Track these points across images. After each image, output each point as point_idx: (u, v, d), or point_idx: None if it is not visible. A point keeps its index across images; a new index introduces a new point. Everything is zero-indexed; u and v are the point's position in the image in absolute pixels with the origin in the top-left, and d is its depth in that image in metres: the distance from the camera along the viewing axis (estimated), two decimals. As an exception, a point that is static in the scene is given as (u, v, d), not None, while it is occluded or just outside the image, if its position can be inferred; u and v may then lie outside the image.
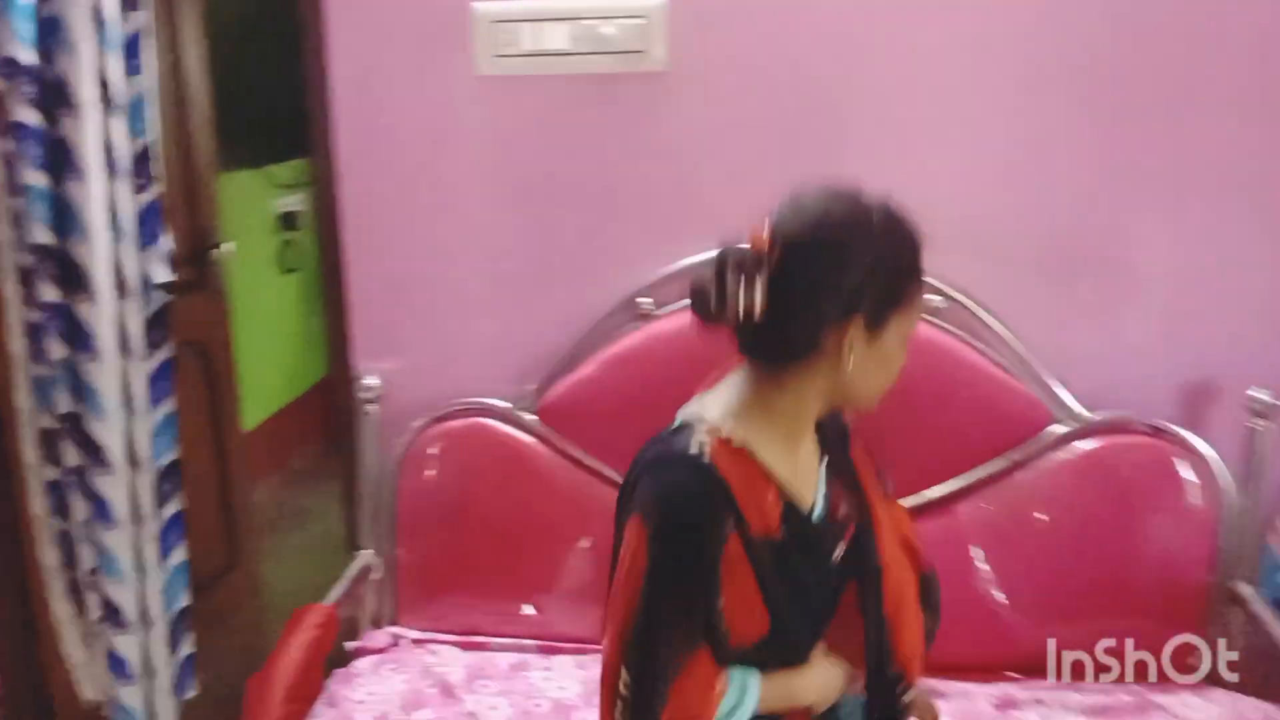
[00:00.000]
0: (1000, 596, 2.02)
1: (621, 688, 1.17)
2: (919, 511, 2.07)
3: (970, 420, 2.03)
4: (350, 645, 2.18)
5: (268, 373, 4.04)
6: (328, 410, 4.06)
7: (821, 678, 1.28)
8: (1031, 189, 2.03)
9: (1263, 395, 1.92)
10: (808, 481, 1.27)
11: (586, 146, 2.10)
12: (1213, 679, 1.99)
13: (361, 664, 2.12)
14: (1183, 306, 2.03)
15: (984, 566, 2.03)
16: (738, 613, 1.19)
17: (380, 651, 2.16)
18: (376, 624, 2.25)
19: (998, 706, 1.92)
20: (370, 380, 2.18)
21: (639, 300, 2.09)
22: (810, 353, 1.18)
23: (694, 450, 1.18)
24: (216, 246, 2.94)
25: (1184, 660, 2.00)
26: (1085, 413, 2.02)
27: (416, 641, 2.18)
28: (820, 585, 1.27)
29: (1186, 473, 1.99)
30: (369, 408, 2.19)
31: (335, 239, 2.20)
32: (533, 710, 1.95)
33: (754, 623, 1.20)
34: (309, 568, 3.25)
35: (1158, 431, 2.01)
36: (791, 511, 1.22)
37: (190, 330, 2.76)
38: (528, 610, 2.18)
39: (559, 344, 2.13)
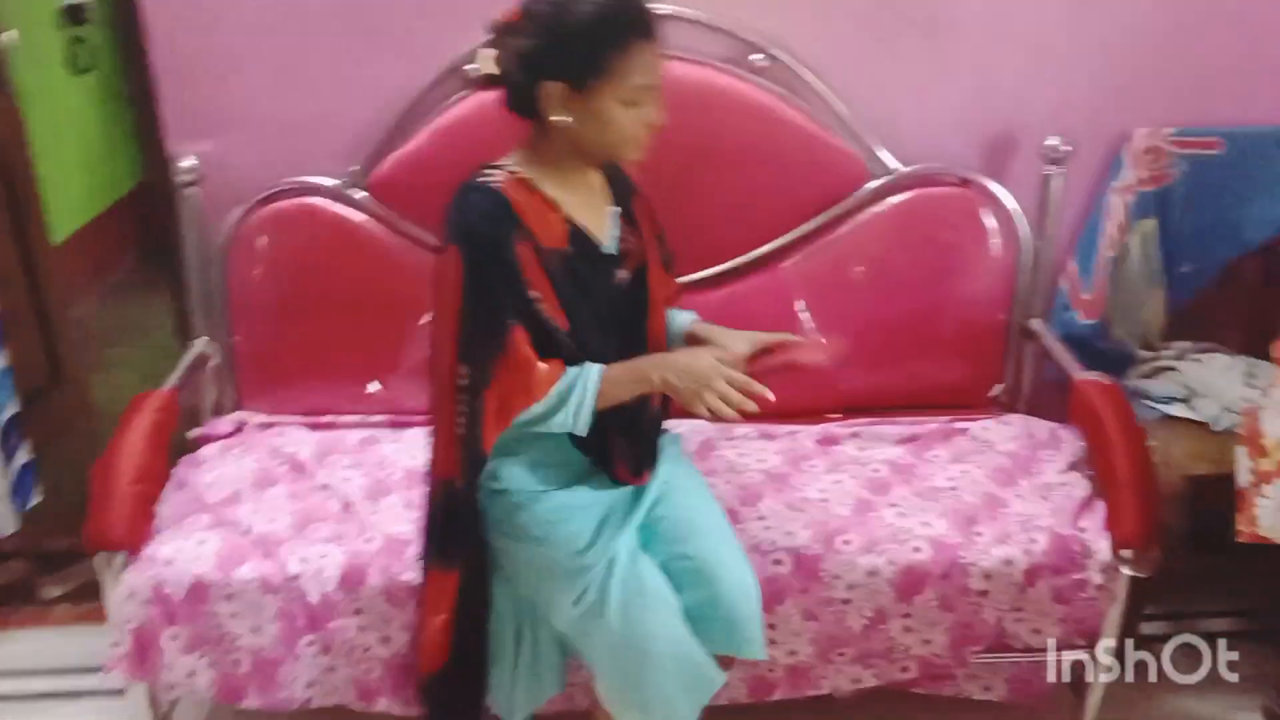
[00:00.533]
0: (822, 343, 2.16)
1: (462, 380, 1.49)
2: (748, 269, 2.18)
3: (792, 178, 2.11)
4: (194, 433, 2.17)
5: (71, 183, 3.78)
6: (148, 220, 3.90)
7: (688, 349, 1.57)
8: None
9: (1056, 143, 2.06)
10: (596, 217, 1.60)
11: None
12: (1009, 406, 2.21)
13: (208, 450, 2.11)
14: (990, 60, 2.13)
15: (806, 317, 2.16)
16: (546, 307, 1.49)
17: (226, 437, 2.17)
18: (219, 412, 2.24)
19: (819, 441, 2.09)
20: (187, 162, 2.09)
21: (467, 68, 2.05)
22: (540, 110, 1.48)
23: (486, 181, 1.50)
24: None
25: (984, 391, 2.21)
26: (898, 166, 2.13)
27: (263, 425, 2.19)
28: (609, 298, 1.60)
29: (989, 220, 2.14)
30: (188, 191, 2.11)
31: (132, 18, 2.05)
32: (385, 479, 2.00)
33: (557, 318, 1.51)
34: (141, 382, 3.11)
35: (964, 182, 2.15)
36: (577, 233, 1.55)
37: None
38: (374, 388, 2.21)
39: (386, 117, 2.09)
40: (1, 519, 2.30)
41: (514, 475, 1.65)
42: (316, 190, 2.14)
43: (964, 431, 2.08)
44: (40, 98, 3.39)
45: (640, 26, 1.47)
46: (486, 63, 1.51)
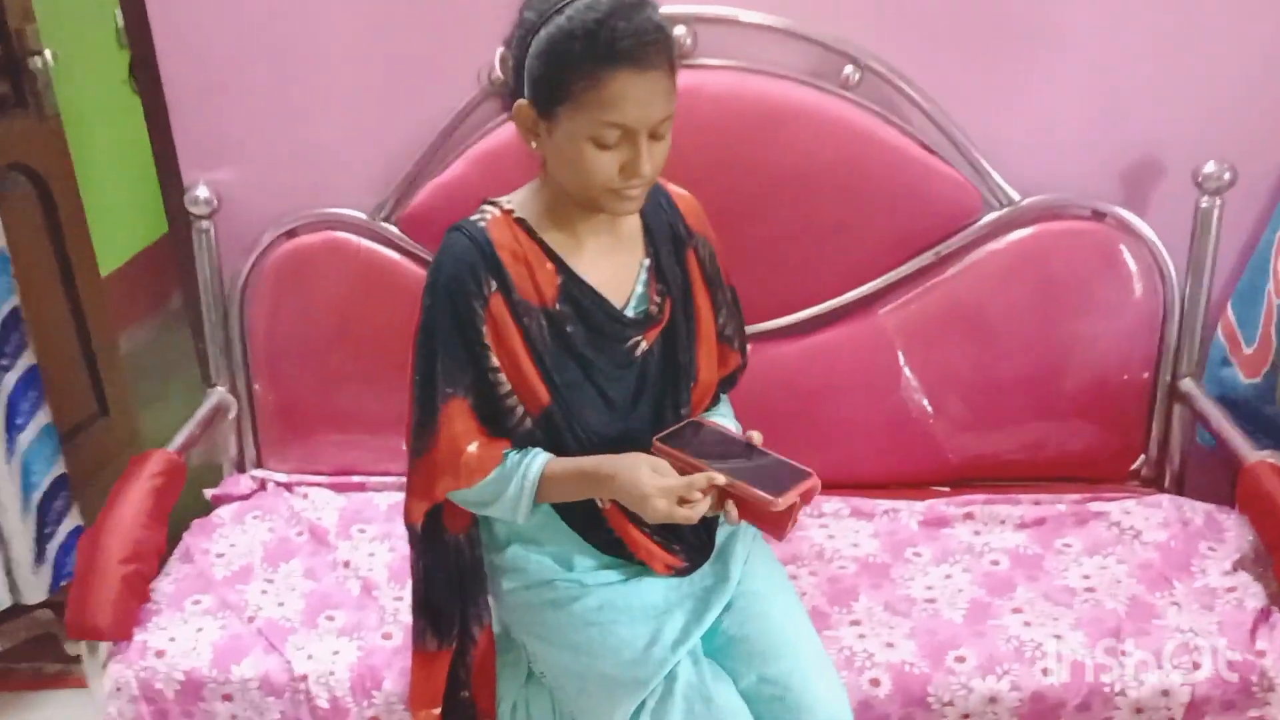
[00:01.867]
0: (926, 405, 1.84)
1: (408, 441, 1.34)
2: (837, 317, 1.86)
3: (891, 209, 1.79)
4: (209, 493, 1.94)
5: (125, 210, 3.62)
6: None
7: (631, 465, 1.25)
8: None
9: (1214, 169, 1.71)
10: (615, 271, 1.35)
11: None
12: (1154, 482, 1.85)
13: (223, 513, 1.89)
14: (1120, 73, 1.78)
15: (909, 374, 1.84)
16: (515, 375, 1.30)
17: (244, 498, 1.93)
18: (240, 469, 2.01)
19: (925, 522, 1.76)
20: (201, 192, 1.86)
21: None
22: (522, 130, 1.27)
23: (474, 218, 1.31)
24: (35, 54, 2.52)
25: (1125, 464, 1.86)
26: (1018, 197, 1.79)
27: (284, 485, 1.95)
28: (625, 372, 1.35)
29: (1129, 260, 1.79)
30: (203, 224, 1.88)
31: (146, 33, 1.83)
32: (415, 555, 1.73)
33: (532, 389, 1.31)
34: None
35: (1098, 215, 1.80)
36: (577, 289, 1.32)
37: (16, 153, 2.40)
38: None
39: (418, 142, 1.82)
40: (29, 585, 2.09)
41: (541, 566, 1.40)
42: (343, 224, 1.88)
43: (1101, 515, 1.72)
44: (98, 119, 3.24)
45: (619, 53, 1.17)
46: (496, 63, 1.35)
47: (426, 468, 1.33)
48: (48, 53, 2.56)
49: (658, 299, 1.37)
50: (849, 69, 1.74)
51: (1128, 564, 1.62)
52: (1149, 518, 1.70)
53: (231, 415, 1.96)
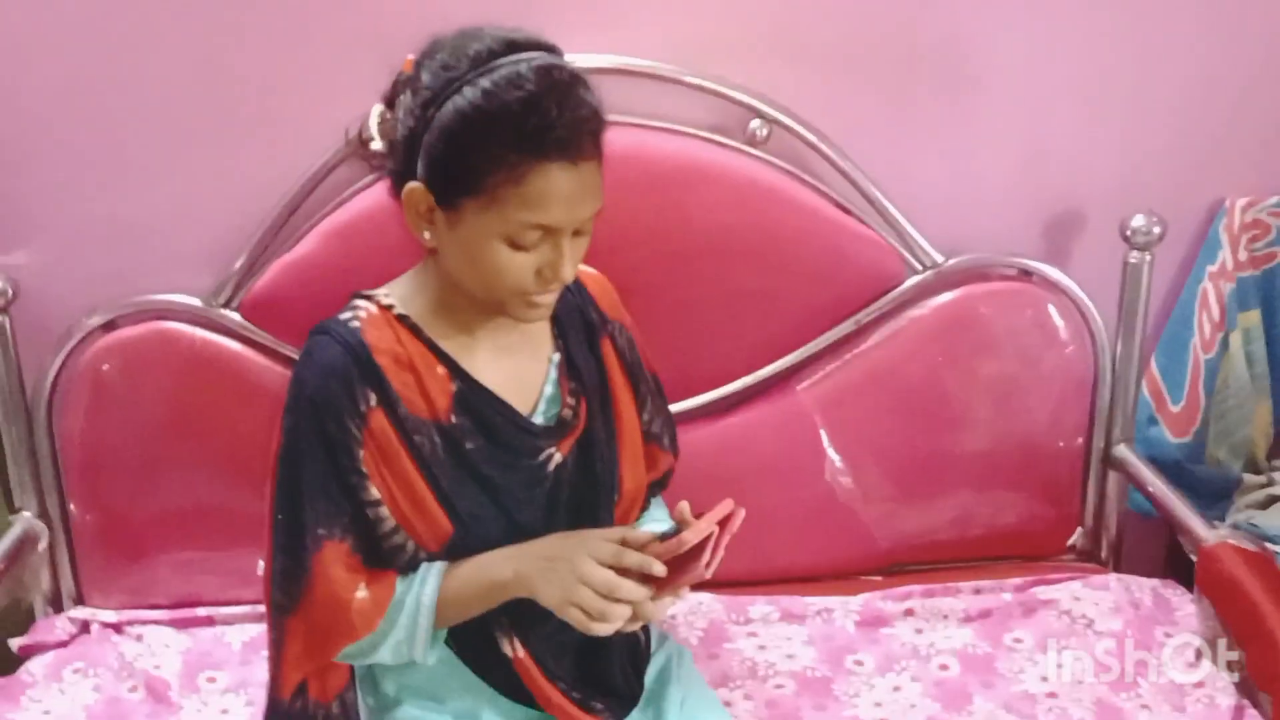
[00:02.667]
0: (853, 487, 1.67)
1: (272, 594, 1.10)
2: (751, 395, 1.68)
3: (807, 276, 1.61)
4: (16, 643, 1.60)
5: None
6: None
7: (526, 550, 1.07)
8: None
9: (1143, 222, 1.59)
10: (520, 372, 1.14)
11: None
12: (1090, 554, 1.73)
13: (34, 668, 1.56)
14: (1041, 122, 1.65)
15: (833, 454, 1.66)
16: (407, 506, 1.07)
17: (62, 645, 1.60)
18: (57, 608, 1.68)
19: (862, 624, 1.58)
20: (-10, 280, 1.53)
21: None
22: (412, 218, 1.04)
23: (343, 317, 1.08)
24: None
25: (1061, 537, 1.73)
26: (941, 258, 1.64)
27: (111, 625, 1.62)
28: (537, 489, 1.13)
29: (1057, 319, 1.66)
30: (-6, 318, 1.56)
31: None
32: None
33: (430, 519, 1.08)
34: None
35: (1024, 274, 1.67)
36: (474, 397, 1.09)
37: None
38: (262, 566, 1.65)
39: (260, 214, 1.54)
40: None
41: None
42: (173, 312, 1.59)
43: (1049, 603, 1.58)
44: None
45: (550, 144, 0.97)
46: (372, 122, 1.05)
47: (302, 628, 1.08)
48: None
49: (571, 400, 1.15)
50: (755, 123, 1.56)
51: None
52: (1099, 603, 1.57)
53: (42, 545, 1.63)
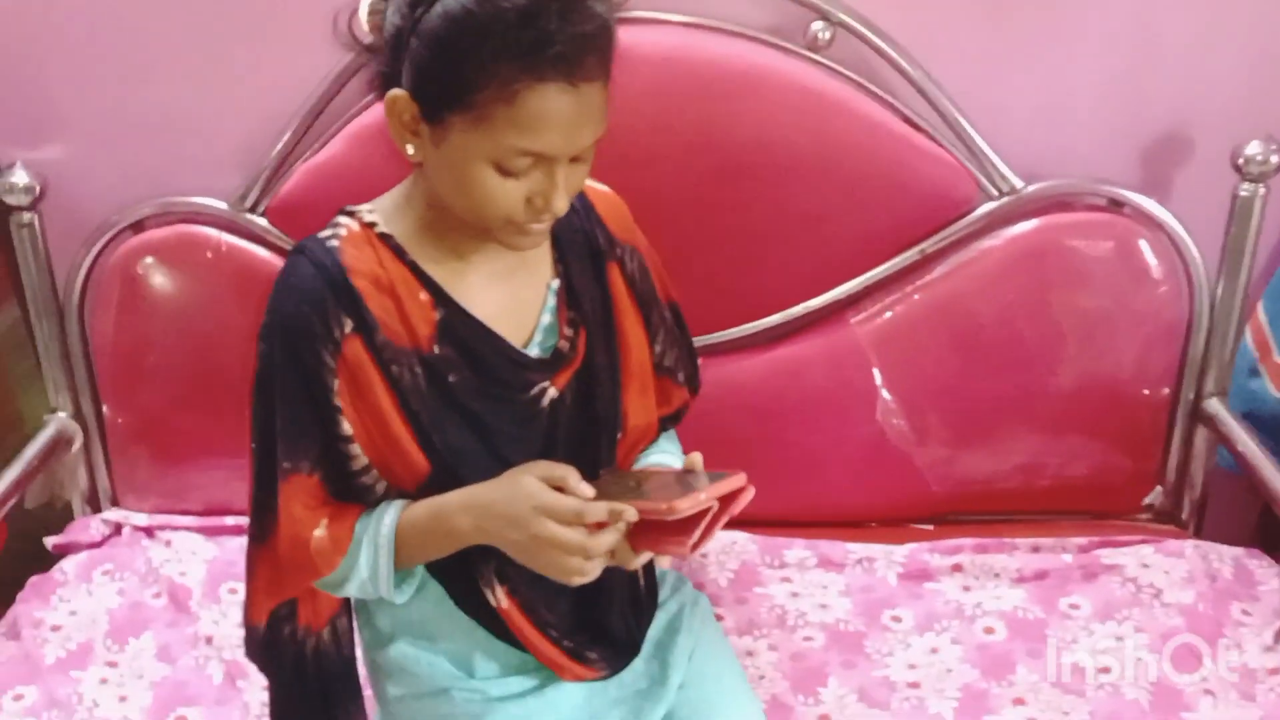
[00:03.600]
0: (906, 428, 1.55)
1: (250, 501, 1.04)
2: (800, 326, 1.56)
3: (867, 198, 1.47)
4: (51, 541, 1.62)
5: None
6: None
7: (478, 495, 0.98)
8: None
9: (1258, 151, 1.40)
10: (513, 299, 1.04)
11: None
12: (1169, 516, 1.58)
13: (66, 567, 1.57)
14: (1146, 37, 1.45)
15: (886, 393, 1.54)
16: (381, 441, 1.00)
17: (95, 546, 1.61)
18: (95, 507, 1.68)
19: (905, 577, 1.48)
20: (18, 177, 1.49)
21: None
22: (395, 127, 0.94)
23: (323, 235, 1.00)
24: None
25: (1137, 495, 1.58)
26: (1020, 183, 1.48)
27: (143, 529, 1.62)
28: (520, 426, 1.03)
29: (1150, 256, 1.49)
30: (24, 215, 1.52)
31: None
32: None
33: (405, 457, 1.00)
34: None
35: (1115, 204, 1.50)
36: (460, 325, 1.00)
37: None
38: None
39: (287, 114, 1.47)
40: None
41: (434, 670, 1.11)
42: (201, 215, 1.54)
43: (1114, 568, 1.45)
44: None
45: (548, 61, 0.86)
46: (362, 12, 0.95)
47: (268, 560, 1.03)
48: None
49: (569, 331, 1.05)
50: (818, 25, 1.40)
51: (1148, 633, 1.35)
52: (1170, 571, 1.43)
53: (76, 446, 1.63)
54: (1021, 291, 1.51)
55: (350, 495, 1.03)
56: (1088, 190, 1.49)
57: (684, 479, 0.98)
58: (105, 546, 1.60)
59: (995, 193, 1.48)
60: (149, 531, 1.62)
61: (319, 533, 1.00)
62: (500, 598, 1.05)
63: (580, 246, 1.07)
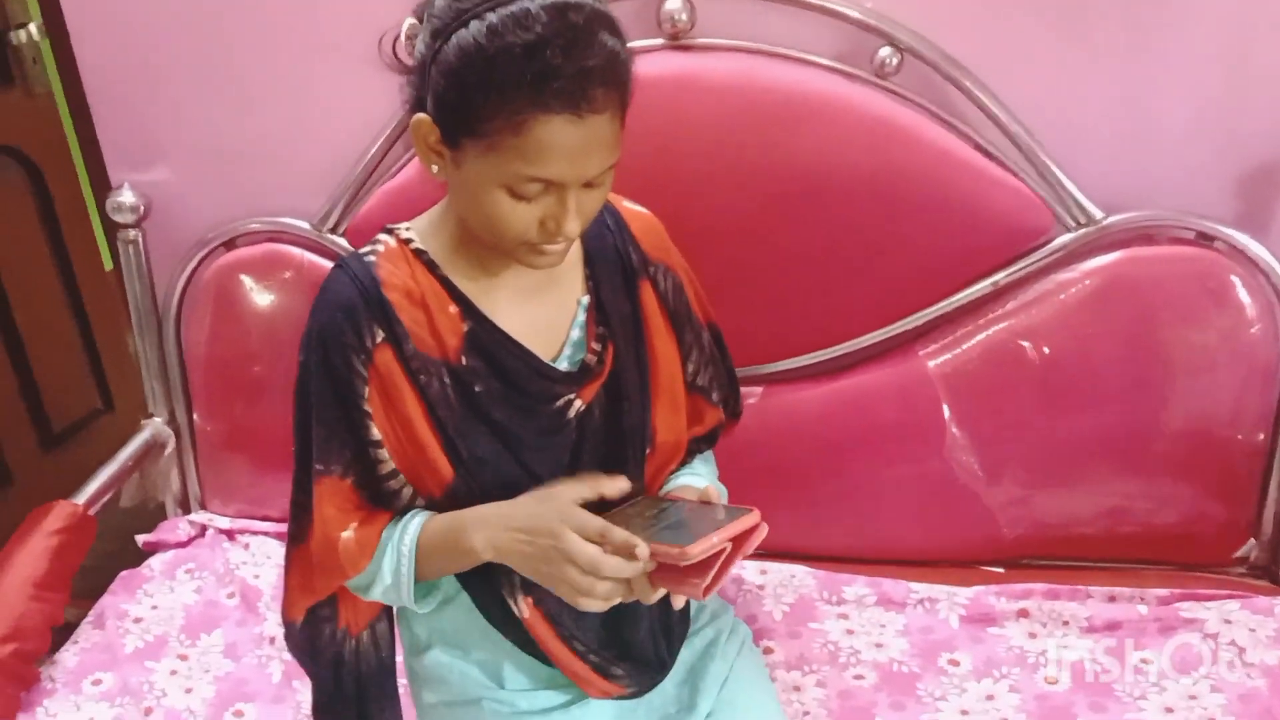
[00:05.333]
0: (976, 467, 1.50)
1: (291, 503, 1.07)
2: (865, 357, 1.52)
3: (937, 228, 1.43)
4: (142, 539, 1.71)
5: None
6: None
7: (502, 509, 1.00)
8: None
9: (1363, 182, 1.31)
10: (543, 315, 1.06)
11: None
12: (1265, 572, 1.48)
13: (154, 564, 1.66)
14: (1243, 56, 1.37)
15: (955, 429, 1.49)
16: (409, 448, 1.03)
17: (181, 546, 1.69)
18: (185, 509, 1.78)
19: (968, 620, 1.42)
20: (125, 197, 1.60)
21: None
22: (420, 150, 0.98)
23: (363, 251, 1.04)
24: (20, 27, 2.31)
25: (1229, 547, 1.49)
26: (1100, 214, 1.42)
27: (225, 532, 1.70)
28: (546, 437, 1.06)
29: (1243, 294, 1.40)
30: (130, 233, 1.63)
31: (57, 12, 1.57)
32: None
33: (431, 464, 1.03)
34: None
35: (1204, 238, 1.42)
36: (487, 337, 1.03)
37: (2, 134, 2.16)
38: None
39: (367, 141, 1.53)
40: None
41: (466, 679, 1.13)
42: (285, 235, 1.61)
43: (1194, 623, 1.36)
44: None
45: (550, 95, 0.87)
46: (404, 35, 0.98)
47: (302, 559, 1.06)
48: (34, 26, 2.34)
49: (596, 345, 1.07)
50: (885, 51, 1.38)
51: (1225, 694, 1.26)
52: (1256, 629, 1.34)
53: (169, 450, 1.72)
54: (1102, 328, 1.44)
55: (381, 500, 1.06)
56: (1174, 223, 1.42)
57: (700, 511, 0.97)
58: (190, 546, 1.69)
59: (1072, 224, 1.43)
60: (230, 534, 1.70)
61: (347, 535, 1.03)
62: (524, 608, 1.06)
63: (612, 264, 1.08)
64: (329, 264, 1.57)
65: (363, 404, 1.01)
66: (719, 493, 1.06)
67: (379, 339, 1.00)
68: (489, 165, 0.91)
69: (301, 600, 1.09)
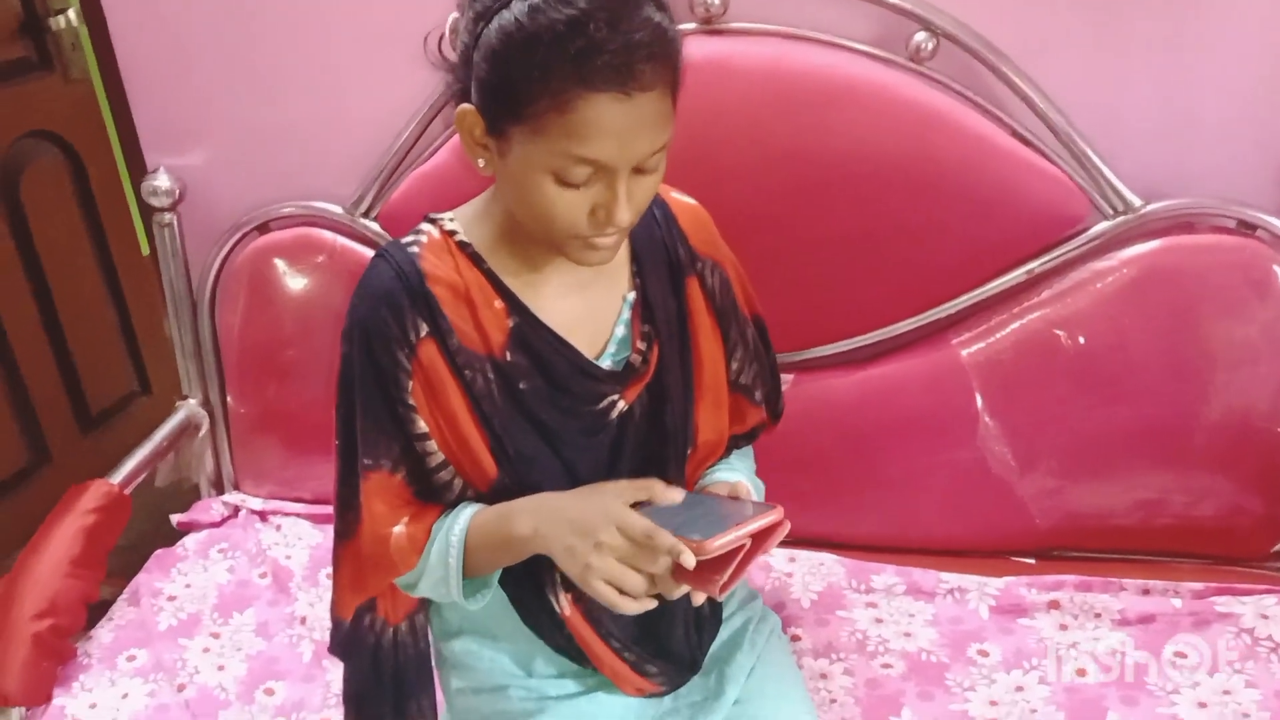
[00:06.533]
0: (1009, 457, 1.48)
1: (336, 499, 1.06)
2: (898, 345, 1.51)
3: (972, 214, 1.42)
4: (176, 518, 1.73)
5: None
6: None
7: (547, 500, 0.99)
8: None
9: None
10: (588, 310, 1.05)
11: None
12: (1303, 567, 1.46)
13: (188, 543, 1.68)
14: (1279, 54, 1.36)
15: (988, 419, 1.48)
16: (454, 442, 1.02)
17: (214, 526, 1.71)
18: (219, 489, 1.79)
19: (998, 611, 1.41)
20: (160, 181, 1.62)
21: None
22: (466, 143, 0.96)
23: (405, 241, 1.02)
24: (59, 13, 2.34)
25: (1267, 540, 1.47)
26: (1138, 202, 1.40)
27: (258, 513, 1.72)
28: (587, 437, 1.05)
29: (1285, 284, 1.38)
30: (165, 216, 1.64)
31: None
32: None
33: (476, 459, 1.02)
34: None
35: (1246, 226, 1.39)
36: (533, 334, 1.01)
37: (41, 119, 2.21)
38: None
39: (399, 125, 1.53)
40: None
41: (494, 667, 1.14)
42: (318, 219, 1.62)
43: (1229, 617, 1.34)
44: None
45: (596, 72, 0.84)
46: (448, 30, 0.96)
47: (351, 556, 1.05)
48: (71, 12, 2.37)
49: (641, 345, 1.05)
50: (921, 36, 1.37)
51: (1260, 689, 1.25)
52: (1295, 624, 1.32)
53: (203, 432, 1.74)
54: (1140, 317, 1.42)
55: (432, 494, 1.05)
56: (1216, 211, 1.40)
57: (726, 507, 0.97)
58: (224, 526, 1.70)
59: (1110, 211, 1.41)
60: (263, 515, 1.71)
61: (398, 530, 1.02)
62: (564, 605, 1.05)
63: (659, 259, 1.06)
64: (361, 248, 1.61)
65: (406, 397, 1.00)
66: (749, 489, 1.05)
67: (423, 333, 0.99)
68: (535, 151, 0.88)
69: (352, 599, 1.08)
